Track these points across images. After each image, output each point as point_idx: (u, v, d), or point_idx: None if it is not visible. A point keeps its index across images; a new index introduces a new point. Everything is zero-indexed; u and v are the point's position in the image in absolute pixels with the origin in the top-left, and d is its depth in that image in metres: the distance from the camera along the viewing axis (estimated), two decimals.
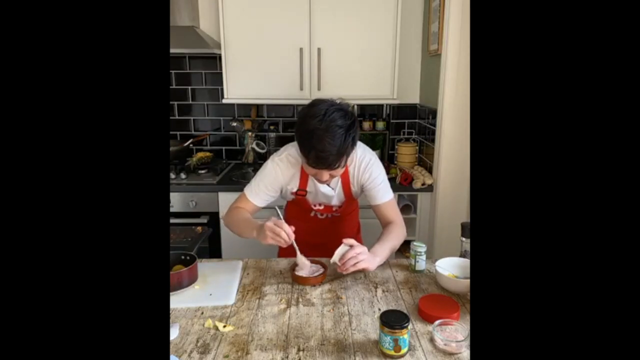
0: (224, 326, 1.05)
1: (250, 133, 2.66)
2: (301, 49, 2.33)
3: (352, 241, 1.24)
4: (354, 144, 1.25)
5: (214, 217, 2.30)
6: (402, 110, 2.75)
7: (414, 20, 2.59)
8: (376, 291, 1.24)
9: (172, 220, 2.27)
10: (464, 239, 1.35)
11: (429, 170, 2.37)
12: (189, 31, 2.37)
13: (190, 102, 2.74)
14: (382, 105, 2.75)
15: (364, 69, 2.37)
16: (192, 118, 2.77)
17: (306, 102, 1.36)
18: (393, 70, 2.37)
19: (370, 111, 2.76)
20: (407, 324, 0.94)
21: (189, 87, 2.71)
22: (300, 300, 1.19)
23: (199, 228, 2.28)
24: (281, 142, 2.63)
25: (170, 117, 2.74)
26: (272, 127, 2.73)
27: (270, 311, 1.13)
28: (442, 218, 2.22)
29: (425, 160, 2.48)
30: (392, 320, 0.94)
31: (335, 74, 2.37)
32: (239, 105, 2.72)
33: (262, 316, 1.11)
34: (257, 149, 2.64)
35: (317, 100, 1.27)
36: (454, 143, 2.13)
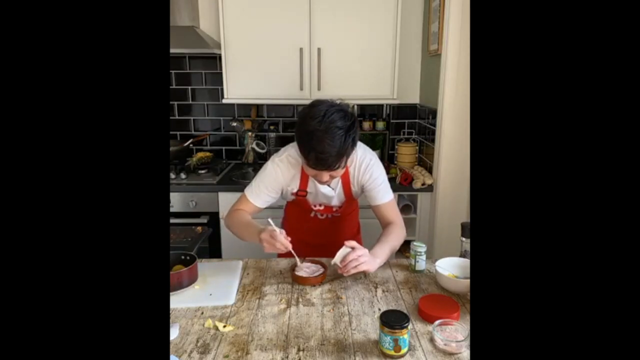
0: (224, 326, 1.05)
1: (250, 133, 2.66)
2: (301, 49, 2.33)
3: (353, 243, 1.24)
4: (354, 145, 1.25)
5: (214, 217, 2.30)
6: (402, 110, 2.75)
7: (414, 20, 2.59)
8: (376, 291, 1.24)
9: (172, 220, 2.27)
10: (464, 239, 1.35)
11: (429, 170, 2.37)
12: (189, 31, 2.37)
13: (190, 102, 2.74)
14: (382, 105, 2.75)
15: (364, 69, 2.37)
16: (192, 118, 2.77)
17: (306, 102, 1.36)
18: (393, 70, 2.37)
19: (370, 111, 2.76)
20: (407, 324, 0.94)
21: (189, 87, 2.71)
22: (300, 300, 1.19)
23: (199, 228, 2.27)
24: (281, 142, 2.63)
25: (170, 117, 2.74)
26: (272, 127, 2.73)
27: (270, 311, 1.13)
28: (442, 218, 2.22)
29: (425, 160, 2.48)
30: (392, 320, 0.94)
31: (335, 74, 2.37)
32: (239, 105, 2.72)
33: (262, 316, 1.11)
34: (257, 149, 2.64)
35: (317, 101, 1.27)
36: (454, 143, 2.13)
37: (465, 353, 0.96)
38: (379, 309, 1.14)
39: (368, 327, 1.06)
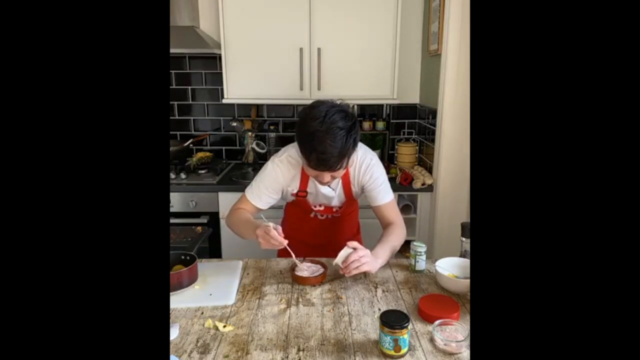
0: (224, 326, 1.05)
1: (250, 133, 2.66)
2: (301, 49, 2.33)
3: (355, 244, 1.24)
4: (355, 145, 1.25)
5: (214, 217, 2.30)
6: (402, 110, 2.75)
7: (414, 20, 2.59)
8: (376, 291, 1.24)
9: (172, 220, 2.27)
10: (464, 239, 1.36)
11: (429, 170, 2.37)
12: (189, 31, 2.37)
13: (190, 102, 2.74)
14: (382, 105, 2.75)
15: (364, 69, 2.37)
16: (192, 118, 2.77)
17: (306, 102, 1.36)
18: (393, 70, 2.37)
19: (370, 111, 2.76)
20: (407, 324, 0.94)
21: (189, 87, 2.71)
22: (300, 300, 1.19)
23: (199, 228, 2.27)
24: (281, 142, 2.63)
25: (170, 117, 2.74)
26: (272, 127, 2.73)
27: (270, 311, 1.13)
28: (442, 218, 2.22)
29: (425, 160, 2.48)
30: (392, 320, 0.94)
31: (335, 74, 2.37)
32: (239, 105, 2.72)
33: (262, 316, 1.11)
34: (257, 149, 2.64)
35: (318, 101, 1.26)
36: (454, 143, 2.13)
37: (465, 353, 0.96)
38: (379, 309, 1.14)
39: (368, 327, 1.06)
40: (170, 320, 1.08)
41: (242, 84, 2.39)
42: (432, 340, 1.01)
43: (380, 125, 2.68)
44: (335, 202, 1.49)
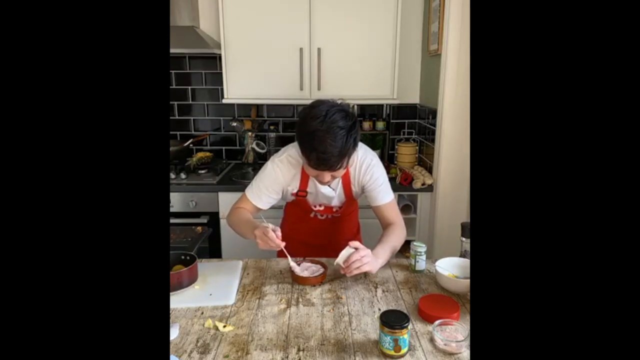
0: (224, 326, 1.05)
1: (250, 133, 2.66)
2: (301, 49, 2.33)
3: (357, 244, 1.24)
4: (355, 145, 1.25)
5: (214, 217, 2.30)
6: (402, 110, 2.75)
7: (414, 20, 2.59)
8: (376, 291, 1.24)
9: (172, 220, 2.27)
10: (464, 239, 1.36)
11: (429, 170, 2.37)
12: (189, 31, 2.37)
13: (190, 102, 2.74)
14: (382, 105, 2.75)
15: (364, 69, 2.37)
16: (192, 118, 2.77)
17: (306, 102, 1.36)
18: (393, 70, 2.37)
19: (370, 111, 2.76)
20: (407, 324, 0.94)
21: (189, 87, 2.71)
22: (300, 300, 1.19)
23: (199, 228, 2.27)
24: (281, 142, 2.63)
25: (170, 117, 2.74)
26: (272, 127, 2.73)
27: (270, 311, 1.13)
28: (442, 218, 2.22)
29: (425, 160, 2.48)
30: (392, 320, 0.94)
31: (335, 74, 2.37)
32: (239, 105, 2.72)
33: (262, 316, 1.11)
34: (257, 149, 2.64)
35: (318, 101, 1.26)
36: (454, 143, 2.13)
37: (465, 353, 0.96)
38: (379, 309, 1.14)
39: (368, 327, 1.06)
40: (170, 320, 1.08)
41: (242, 84, 2.39)
42: (432, 340, 1.01)
43: (380, 125, 2.68)
44: (335, 202, 1.49)
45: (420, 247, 1.35)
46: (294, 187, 1.43)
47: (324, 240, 1.57)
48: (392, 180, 2.01)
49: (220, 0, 2.28)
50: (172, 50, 2.45)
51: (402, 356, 0.95)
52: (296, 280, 1.28)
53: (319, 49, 2.33)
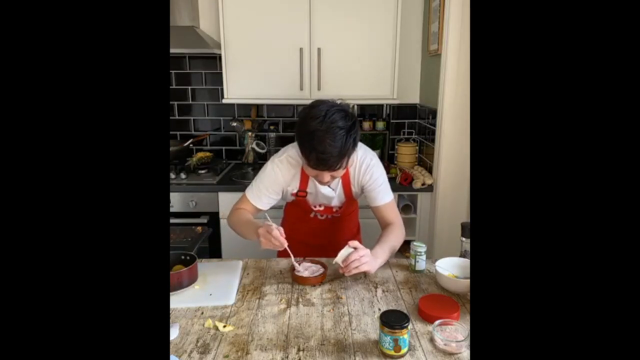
0: (224, 326, 1.05)
1: (250, 133, 2.66)
2: (301, 49, 2.33)
3: (356, 243, 1.24)
4: (355, 145, 1.25)
5: (214, 217, 2.30)
6: (402, 110, 2.75)
7: (414, 20, 2.59)
8: (376, 291, 1.24)
9: (172, 220, 2.27)
10: (464, 239, 1.36)
11: (429, 170, 2.37)
12: (189, 31, 2.37)
13: (190, 102, 2.74)
14: (382, 105, 2.75)
15: (364, 69, 2.37)
16: (192, 118, 2.77)
17: (306, 102, 1.36)
18: (393, 70, 2.37)
19: (370, 111, 2.76)
20: (407, 324, 0.94)
21: (189, 87, 2.71)
22: (300, 300, 1.19)
23: (199, 228, 2.28)
24: (281, 142, 2.63)
25: (170, 117, 2.74)
26: (272, 127, 2.73)
27: (270, 311, 1.13)
28: (442, 218, 2.22)
29: (425, 160, 2.48)
30: (392, 320, 0.94)
31: (335, 74, 2.37)
32: (239, 105, 2.72)
33: (262, 316, 1.11)
34: (257, 149, 2.64)
35: (318, 101, 1.27)
36: (454, 143, 2.13)
37: (465, 353, 0.96)
38: (379, 309, 1.14)
39: (368, 327, 1.06)
40: (170, 320, 1.08)
41: (242, 84, 2.39)
42: (432, 340, 1.01)
43: (380, 125, 2.68)
44: (335, 202, 1.49)
45: (420, 247, 1.35)
46: (294, 187, 1.43)
47: (324, 240, 1.57)
48: (392, 180, 2.02)
49: (220, 0, 2.28)
50: (172, 50, 2.45)
51: (402, 356, 0.95)
52: (296, 280, 1.28)
53: (319, 49, 2.33)
